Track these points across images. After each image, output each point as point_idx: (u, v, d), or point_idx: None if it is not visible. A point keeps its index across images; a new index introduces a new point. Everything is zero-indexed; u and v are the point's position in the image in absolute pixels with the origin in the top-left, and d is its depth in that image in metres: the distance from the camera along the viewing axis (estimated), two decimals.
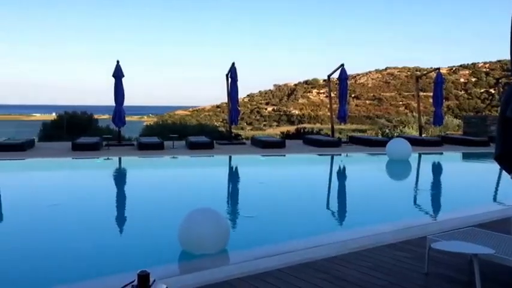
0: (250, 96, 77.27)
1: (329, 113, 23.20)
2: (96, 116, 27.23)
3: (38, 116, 69.46)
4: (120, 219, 8.80)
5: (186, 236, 5.82)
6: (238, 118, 20.59)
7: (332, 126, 21.82)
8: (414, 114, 34.77)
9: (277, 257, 5.39)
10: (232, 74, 19.44)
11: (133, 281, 2.99)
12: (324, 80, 68.85)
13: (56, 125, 25.59)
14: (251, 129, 59.23)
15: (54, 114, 32.21)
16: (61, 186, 11.72)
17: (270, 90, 79.45)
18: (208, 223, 5.85)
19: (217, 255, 5.76)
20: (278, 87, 79.50)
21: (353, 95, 70.67)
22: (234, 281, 4.61)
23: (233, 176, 14.35)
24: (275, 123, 69.30)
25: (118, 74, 18.33)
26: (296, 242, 6.41)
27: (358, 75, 77.58)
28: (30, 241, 6.85)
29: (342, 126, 33.60)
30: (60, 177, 13.31)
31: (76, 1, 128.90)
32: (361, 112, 69.44)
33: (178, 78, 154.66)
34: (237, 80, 19.54)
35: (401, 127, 32.45)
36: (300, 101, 74.72)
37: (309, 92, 76.60)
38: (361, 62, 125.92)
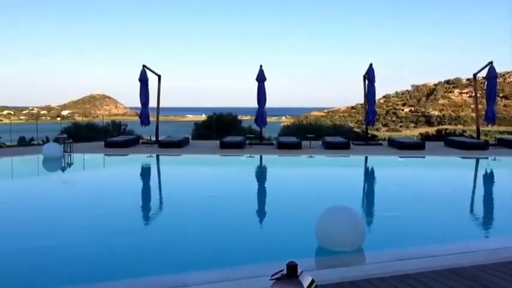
0: (386, 97, 74.94)
1: (473, 114, 21.72)
2: (239, 117, 28.76)
3: (190, 117, 75.14)
4: (261, 213, 9.22)
5: (322, 233, 5.93)
6: (375, 119, 20.20)
7: (478, 128, 20.39)
8: None
9: (420, 260, 5.25)
10: (369, 74, 19.15)
11: (282, 270, 3.18)
12: (468, 79, 64.31)
13: (205, 125, 27.90)
14: (386, 131, 57.53)
15: (204, 115, 34.56)
16: (213, 179, 12.71)
17: (407, 90, 76.35)
18: (345, 221, 5.90)
19: (354, 253, 5.79)
20: (416, 88, 76.05)
21: (501, 95, 64.90)
22: (375, 280, 4.60)
23: (369, 176, 14.17)
24: (412, 125, 66.43)
25: (261, 77, 19.12)
26: (439, 246, 6.18)
27: (508, 73, 71.10)
28: (186, 227, 7.58)
29: (488, 128, 31.18)
30: (212, 171, 14.47)
31: (226, 10, 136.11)
32: (510, 113, 63.60)
33: (314, 80, 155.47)
34: (374, 81, 19.20)
35: None
36: (440, 101, 70.67)
37: (450, 92, 72.14)
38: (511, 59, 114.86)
